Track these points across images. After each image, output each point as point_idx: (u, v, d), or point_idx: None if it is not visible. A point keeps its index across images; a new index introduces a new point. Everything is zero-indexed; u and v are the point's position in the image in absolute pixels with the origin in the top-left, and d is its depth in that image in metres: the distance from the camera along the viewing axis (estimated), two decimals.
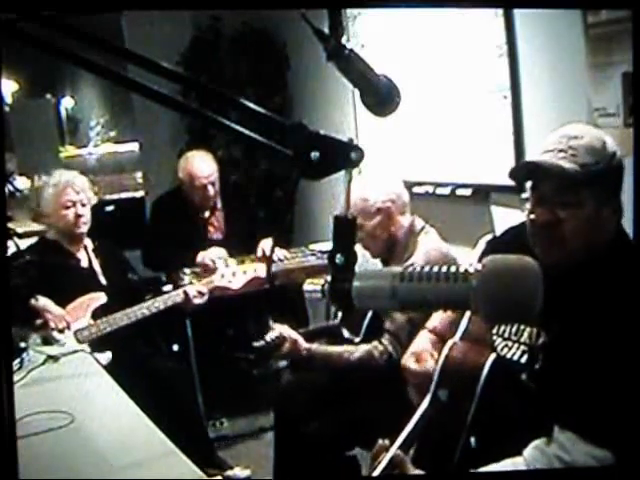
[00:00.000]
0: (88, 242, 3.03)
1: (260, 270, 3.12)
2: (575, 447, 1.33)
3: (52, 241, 2.98)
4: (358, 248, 2.36)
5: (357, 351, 2.33)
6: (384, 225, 2.41)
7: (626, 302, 1.34)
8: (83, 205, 2.94)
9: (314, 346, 2.41)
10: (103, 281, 2.98)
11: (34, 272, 2.73)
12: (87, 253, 3.01)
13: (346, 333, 2.59)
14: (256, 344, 2.46)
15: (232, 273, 3.06)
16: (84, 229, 2.96)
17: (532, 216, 1.49)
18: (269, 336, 2.42)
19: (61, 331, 2.66)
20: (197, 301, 2.96)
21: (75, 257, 2.98)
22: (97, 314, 2.81)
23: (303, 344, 2.40)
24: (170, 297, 2.89)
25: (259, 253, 3.45)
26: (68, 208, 2.91)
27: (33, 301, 2.64)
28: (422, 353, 1.83)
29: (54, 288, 2.78)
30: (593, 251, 1.45)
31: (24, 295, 2.62)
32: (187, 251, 3.42)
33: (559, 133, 1.49)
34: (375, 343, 2.31)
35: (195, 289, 2.95)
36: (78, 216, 2.92)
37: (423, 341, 1.90)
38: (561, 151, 1.46)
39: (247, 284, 3.09)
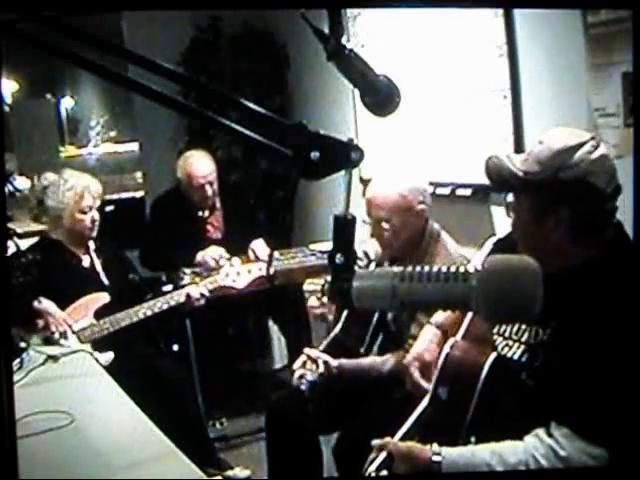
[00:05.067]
0: (90, 242, 3.04)
1: (265, 269, 3.05)
2: (570, 443, 1.34)
3: (55, 241, 2.97)
4: (373, 244, 2.31)
5: (387, 362, 2.26)
6: (411, 225, 2.30)
7: (623, 304, 1.34)
8: (97, 210, 2.98)
9: (343, 362, 2.30)
10: (105, 281, 2.99)
11: (37, 271, 2.74)
12: (89, 253, 3.02)
13: (349, 343, 2.53)
14: (309, 379, 2.25)
15: (236, 272, 3.03)
16: (95, 233, 2.99)
17: None
18: (316, 372, 2.25)
19: (61, 334, 2.66)
20: (198, 303, 2.95)
21: (78, 257, 2.99)
22: (100, 314, 2.81)
23: (333, 362, 2.28)
24: (172, 297, 2.89)
25: (250, 254, 3.44)
26: (85, 213, 2.93)
27: (36, 303, 2.64)
28: (430, 364, 1.82)
29: (56, 287, 2.79)
30: (549, 256, 1.45)
31: (27, 296, 2.62)
32: (186, 251, 3.42)
33: None
34: (402, 352, 2.21)
35: (198, 291, 2.94)
36: (94, 221, 2.95)
37: (430, 343, 1.90)
38: (527, 153, 1.48)
39: (251, 283, 3.05)
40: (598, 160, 1.42)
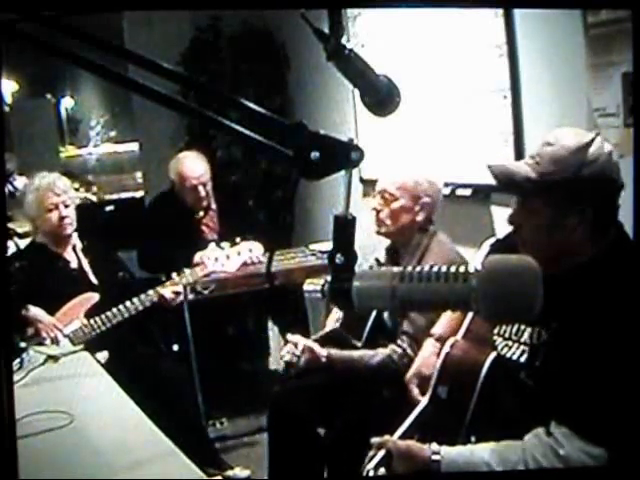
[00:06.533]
0: (77, 242, 3.01)
1: (255, 249, 3.03)
2: (570, 443, 1.34)
3: (40, 244, 2.96)
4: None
5: (377, 355, 2.29)
6: (411, 212, 2.36)
7: (623, 304, 1.34)
8: (66, 206, 2.93)
9: (332, 351, 2.35)
10: (94, 280, 2.97)
11: (24, 278, 2.73)
12: (76, 253, 3.00)
13: (348, 337, 2.55)
14: (285, 359, 2.39)
15: (226, 256, 2.99)
16: (69, 230, 2.95)
17: None
18: (293, 351, 2.37)
19: (52, 340, 2.65)
20: (175, 302, 2.96)
21: (64, 259, 2.97)
22: (91, 314, 2.81)
23: (320, 351, 2.34)
24: (147, 298, 2.87)
25: None
26: (51, 211, 2.90)
27: (24, 311, 2.63)
28: (429, 379, 1.82)
29: (45, 292, 2.78)
30: (565, 256, 1.45)
31: (15, 305, 2.59)
32: (182, 252, 3.40)
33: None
34: (393, 346, 2.26)
35: (170, 290, 2.93)
36: (62, 218, 2.91)
37: (429, 358, 1.90)
38: (532, 157, 1.49)
39: (243, 266, 3.02)
40: (610, 154, 1.45)
